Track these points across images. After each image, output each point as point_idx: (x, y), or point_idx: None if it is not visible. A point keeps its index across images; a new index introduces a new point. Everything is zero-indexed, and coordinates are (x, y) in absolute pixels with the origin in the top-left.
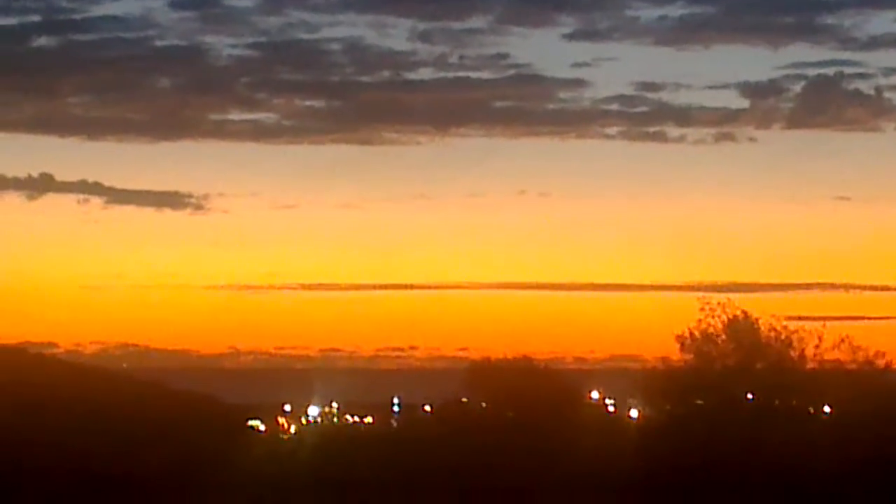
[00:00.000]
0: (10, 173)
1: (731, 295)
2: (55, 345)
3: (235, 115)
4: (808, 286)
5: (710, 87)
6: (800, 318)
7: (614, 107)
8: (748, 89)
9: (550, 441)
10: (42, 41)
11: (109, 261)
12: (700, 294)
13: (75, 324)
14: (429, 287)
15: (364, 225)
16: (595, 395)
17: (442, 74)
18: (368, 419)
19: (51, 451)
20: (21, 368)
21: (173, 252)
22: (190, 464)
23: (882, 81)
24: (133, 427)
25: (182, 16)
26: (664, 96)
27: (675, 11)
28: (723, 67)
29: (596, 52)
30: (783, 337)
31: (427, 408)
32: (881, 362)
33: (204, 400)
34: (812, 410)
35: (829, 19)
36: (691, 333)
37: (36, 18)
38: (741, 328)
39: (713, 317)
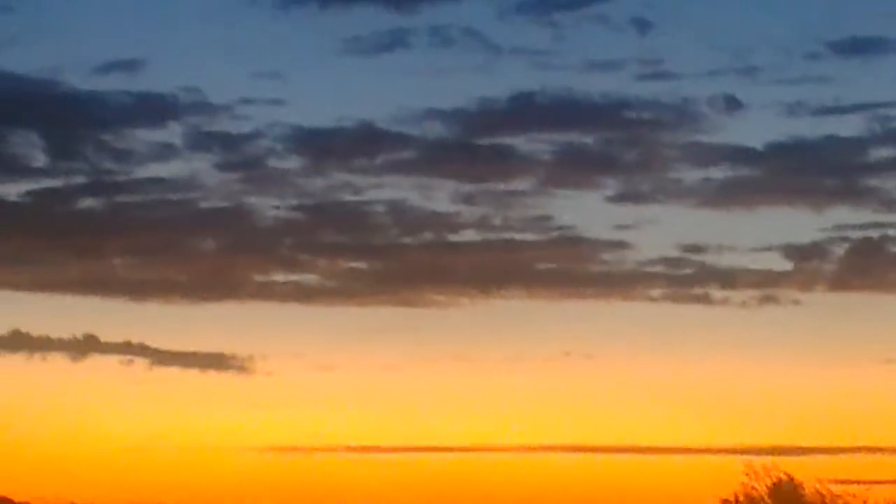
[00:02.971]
0: (54, 334)
1: (775, 458)
2: None
3: (279, 276)
4: (854, 450)
5: (754, 250)
6: (845, 483)
7: (658, 269)
8: (792, 251)
9: None
10: (88, 203)
11: (153, 423)
12: (744, 457)
13: (118, 486)
14: (471, 450)
15: (406, 387)
16: None
17: (485, 236)
18: None
19: None
20: None
21: (217, 414)
22: None
23: None
24: None
25: (227, 177)
26: (708, 258)
27: (718, 174)
28: (766, 230)
29: (639, 215)
30: (828, 501)
31: None
32: None
33: None
34: None
35: (872, 182)
36: (736, 498)
37: (82, 180)
38: (786, 492)
39: (757, 481)
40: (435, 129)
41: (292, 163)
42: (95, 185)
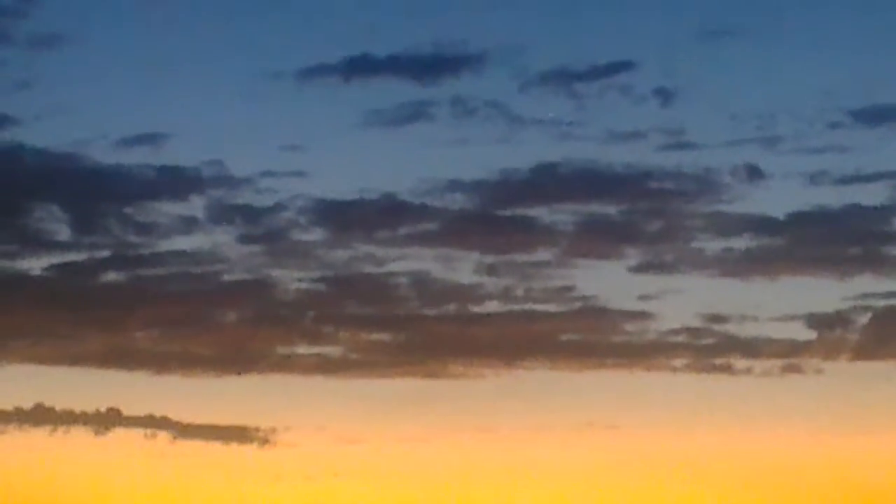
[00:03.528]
0: (77, 408)
1: None
2: None
3: (302, 349)
4: None
5: (777, 319)
6: None
7: (680, 339)
8: (815, 321)
9: None
10: (110, 276)
11: (176, 495)
12: None
13: None
14: None
15: (430, 458)
16: None
17: (508, 307)
18: None
19: None
20: None
21: (240, 486)
22: None
23: None
24: None
25: (250, 250)
26: (730, 328)
27: (740, 243)
28: (789, 299)
29: (662, 285)
30: None
31: None
32: None
33: None
34: None
35: (895, 251)
36: None
37: (105, 254)
38: None
39: None
40: (457, 201)
41: (315, 235)
42: (118, 259)
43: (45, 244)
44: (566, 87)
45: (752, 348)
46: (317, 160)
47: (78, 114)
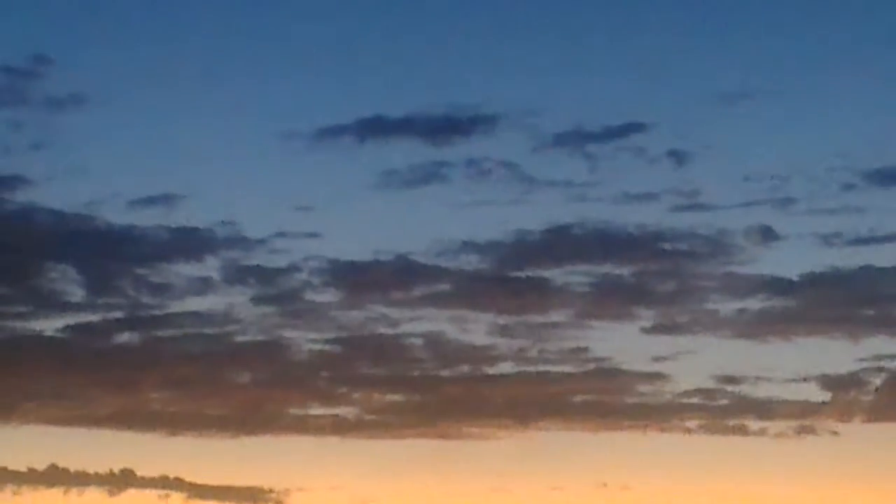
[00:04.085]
0: (91, 469)
1: None
2: None
3: (316, 410)
4: None
5: (791, 380)
6: None
7: (694, 400)
8: (828, 382)
9: None
10: (124, 337)
11: None
12: None
13: None
14: None
15: None
16: None
17: (522, 368)
18: None
19: None
20: None
21: None
22: None
23: None
24: None
25: (263, 311)
26: (744, 389)
27: (754, 304)
28: (802, 360)
29: (675, 346)
30: None
31: None
32: None
33: None
34: None
35: None
36: None
37: (118, 314)
38: None
39: None
40: (471, 262)
41: (329, 296)
42: (132, 320)
43: (58, 305)
44: (580, 148)
45: (767, 409)
46: (331, 221)
47: (92, 175)
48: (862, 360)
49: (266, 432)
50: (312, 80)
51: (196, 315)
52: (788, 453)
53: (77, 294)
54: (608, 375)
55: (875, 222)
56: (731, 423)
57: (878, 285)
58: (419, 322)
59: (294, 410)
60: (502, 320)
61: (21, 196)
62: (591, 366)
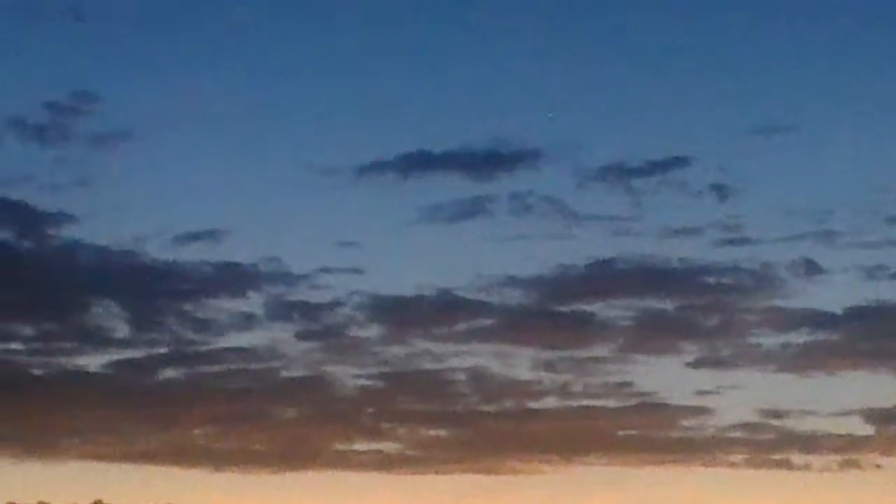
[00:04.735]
0: None
1: None
2: None
3: (360, 445)
4: None
5: (835, 414)
6: None
7: (738, 434)
8: (873, 416)
9: None
10: (169, 373)
11: None
12: None
13: None
14: None
15: None
16: None
17: (566, 403)
18: None
19: None
20: None
21: None
22: None
23: None
24: None
25: (307, 346)
26: (788, 423)
27: (798, 338)
28: (847, 394)
29: (719, 380)
30: None
31: None
32: None
33: None
34: None
35: None
36: None
37: (163, 350)
38: None
39: None
40: (514, 297)
41: (372, 331)
42: (176, 356)
43: (103, 341)
44: (623, 182)
45: (811, 443)
46: (374, 256)
47: (136, 211)
48: None
49: (310, 468)
50: (355, 116)
51: (240, 351)
52: (833, 487)
53: (121, 330)
54: (652, 410)
55: None
56: (776, 457)
57: None
58: (462, 357)
59: (338, 446)
60: (546, 355)
61: (66, 232)
62: (635, 400)
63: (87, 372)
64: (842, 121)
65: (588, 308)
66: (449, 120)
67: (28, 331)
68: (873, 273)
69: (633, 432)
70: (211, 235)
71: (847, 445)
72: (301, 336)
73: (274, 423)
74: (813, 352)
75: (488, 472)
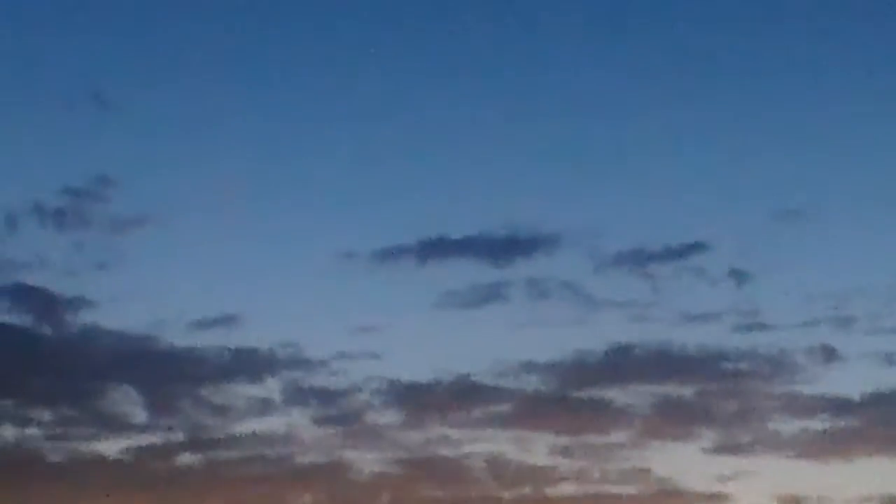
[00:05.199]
0: None
1: None
2: None
3: None
4: None
5: (854, 501)
6: None
7: None
8: (892, 502)
9: None
10: (186, 459)
11: None
12: None
13: None
14: None
15: None
16: None
17: (583, 489)
18: None
19: None
20: None
21: None
22: None
23: None
24: None
25: (325, 432)
26: None
27: (816, 425)
28: (865, 480)
29: (737, 466)
30: None
31: None
32: None
33: None
34: None
35: None
36: None
37: (180, 436)
38: None
39: None
40: (532, 382)
41: (390, 417)
42: (193, 441)
43: (120, 426)
44: (641, 268)
45: None
46: (392, 342)
47: (154, 296)
48: None
49: None
50: (373, 200)
51: (257, 436)
52: None
53: (139, 415)
54: (670, 496)
55: None
56: None
57: None
58: (480, 443)
59: None
60: (563, 441)
61: (84, 317)
62: (654, 487)
63: (105, 457)
64: (859, 206)
65: (606, 394)
66: (466, 206)
67: (46, 416)
68: (891, 358)
69: None
70: (228, 321)
71: None
72: (318, 421)
73: None
74: (831, 438)
75: None
